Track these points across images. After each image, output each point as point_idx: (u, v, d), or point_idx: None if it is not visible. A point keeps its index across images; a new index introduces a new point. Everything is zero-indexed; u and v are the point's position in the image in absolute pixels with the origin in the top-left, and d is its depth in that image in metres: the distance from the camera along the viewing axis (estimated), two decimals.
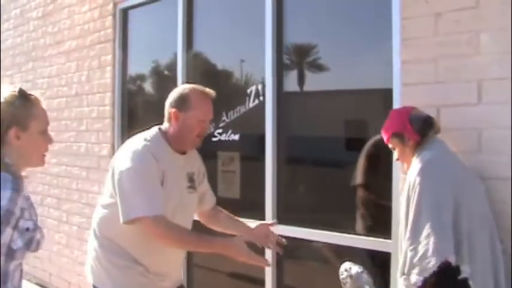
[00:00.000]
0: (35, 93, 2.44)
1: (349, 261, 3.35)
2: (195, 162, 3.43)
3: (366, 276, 3.25)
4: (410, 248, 2.86)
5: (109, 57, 6.24)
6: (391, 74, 3.70)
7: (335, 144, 4.40)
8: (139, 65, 6.26)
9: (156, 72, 6.25)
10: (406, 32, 3.58)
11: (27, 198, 2.36)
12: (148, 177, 3.01)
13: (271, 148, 4.51)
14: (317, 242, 4.22)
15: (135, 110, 6.35)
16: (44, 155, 2.48)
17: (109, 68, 6.23)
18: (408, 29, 3.57)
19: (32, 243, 2.31)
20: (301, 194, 4.65)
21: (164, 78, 6.17)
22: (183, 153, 3.27)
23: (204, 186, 3.54)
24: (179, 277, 3.49)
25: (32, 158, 2.45)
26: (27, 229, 2.29)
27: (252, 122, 4.71)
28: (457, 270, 2.78)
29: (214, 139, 4.93)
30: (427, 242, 2.80)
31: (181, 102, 3.19)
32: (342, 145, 4.40)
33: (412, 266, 2.84)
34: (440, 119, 3.35)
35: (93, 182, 6.41)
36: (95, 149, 6.40)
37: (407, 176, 3.08)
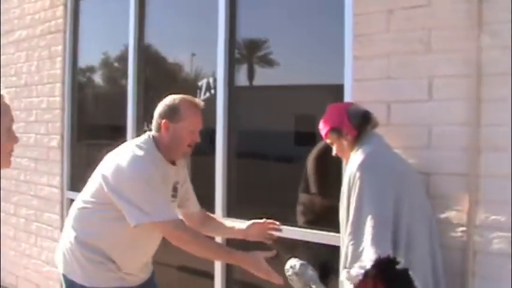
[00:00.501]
0: None
1: (295, 257, 3.31)
2: (182, 171, 3.42)
3: (310, 272, 3.23)
4: (352, 242, 2.87)
5: (59, 48, 6.08)
6: (342, 70, 3.67)
7: (286, 139, 4.38)
8: (90, 57, 6.12)
9: (107, 64, 6.14)
10: (358, 28, 3.56)
11: None
12: (156, 184, 3.04)
13: (221, 142, 4.46)
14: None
15: (85, 101, 6.21)
16: (11, 155, 2.29)
17: (59, 59, 6.07)
18: (361, 25, 3.55)
19: None
20: (251, 188, 4.59)
21: (115, 70, 6.07)
22: (173, 163, 3.27)
23: (187, 188, 3.53)
24: (148, 274, 3.47)
25: None
26: None
27: (203, 115, 4.65)
28: (396, 261, 2.81)
29: None
30: (367, 235, 2.81)
31: (172, 113, 3.18)
32: (292, 140, 4.38)
33: (353, 260, 2.85)
34: (391, 115, 3.35)
35: (41, 173, 6.26)
36: (44, 140, 6.24)
37: (346, 170, 3.07)
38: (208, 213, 3.71)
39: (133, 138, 5.16)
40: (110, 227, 3.10)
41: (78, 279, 3.17)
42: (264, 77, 4.68)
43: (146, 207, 2.97)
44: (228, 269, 4.51)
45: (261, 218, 3.51)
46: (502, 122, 3.00)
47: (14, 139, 2.28)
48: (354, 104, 3.27)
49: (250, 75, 4.71)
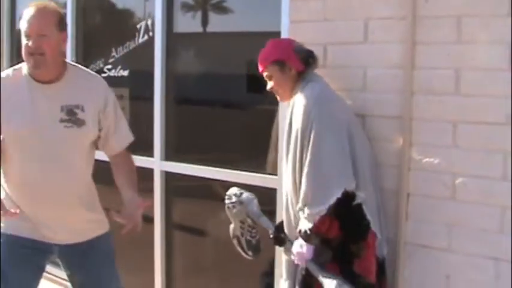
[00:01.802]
0: None
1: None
2: (81, 94, 2.88)
3: (256, 203, 3.13)
4: (313, 178, 2.76)
5: None
6: (280, 12, 3.51)
7: (223, 84, 4.26)
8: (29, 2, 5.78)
9: None
10: None
11: None
12: None
13: (159, 85, 4.28)
14: (205, 178, 4.06)
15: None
16: None
17: None
18: None
19: None
20: (189, 132, 4.45)
21: None
22: (51, 82, 2.83)
23: (107, 122, 2.96)
24: (78, 236, 2.97)
25: None
26: None
27: (141, 59, 4.51)
28: (352, 196, 2.78)
29: (103, 75, 4.60)
30: (330, 172, 2.75)
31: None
32: (228, 85, 4.26)
33: (316, 196, 2.75)
34: (327, 57, 3.22)
35: None
36: None
37: (294, 108, 2.92)
38: (128, 161, 3.08)
39: None
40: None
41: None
42: (205, 23, 4.49)
43: None
44: (167, 213, 4.39)
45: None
46: (435, 65, 2.90)
47: None
48: (296, 41, 3.10)
49: (192, 20, 4.52)
